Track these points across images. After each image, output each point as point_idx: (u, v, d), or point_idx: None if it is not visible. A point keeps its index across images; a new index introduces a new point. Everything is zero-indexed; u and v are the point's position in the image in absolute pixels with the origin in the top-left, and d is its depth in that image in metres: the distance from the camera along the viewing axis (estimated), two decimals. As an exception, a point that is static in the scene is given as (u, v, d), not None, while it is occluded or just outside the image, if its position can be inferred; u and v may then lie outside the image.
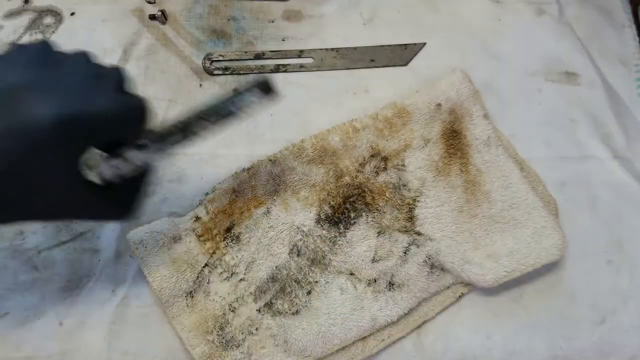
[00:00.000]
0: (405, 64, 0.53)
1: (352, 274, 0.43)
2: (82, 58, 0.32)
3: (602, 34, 0.57)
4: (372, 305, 0.42)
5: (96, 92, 0.30)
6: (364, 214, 0.45)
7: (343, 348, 0.41)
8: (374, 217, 0.45)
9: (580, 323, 0.44)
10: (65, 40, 0.51)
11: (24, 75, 0.28)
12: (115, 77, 0.32)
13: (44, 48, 0.31)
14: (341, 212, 0.45)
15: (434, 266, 0.43)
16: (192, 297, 0.42)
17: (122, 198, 0.34)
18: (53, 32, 0.51)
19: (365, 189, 0.46)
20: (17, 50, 0.30)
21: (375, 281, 0.43)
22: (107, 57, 0.50)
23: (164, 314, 0.41)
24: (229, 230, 0.44)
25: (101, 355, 0.41)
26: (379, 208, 0.45)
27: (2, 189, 0.29)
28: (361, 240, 0.44)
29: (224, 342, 0.40)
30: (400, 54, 0.54)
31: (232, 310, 0.41)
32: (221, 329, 0.41)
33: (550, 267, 0.45)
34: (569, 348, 0.43)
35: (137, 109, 0.32)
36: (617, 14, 0.58)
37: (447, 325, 0.44)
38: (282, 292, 0.42)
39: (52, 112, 0.27)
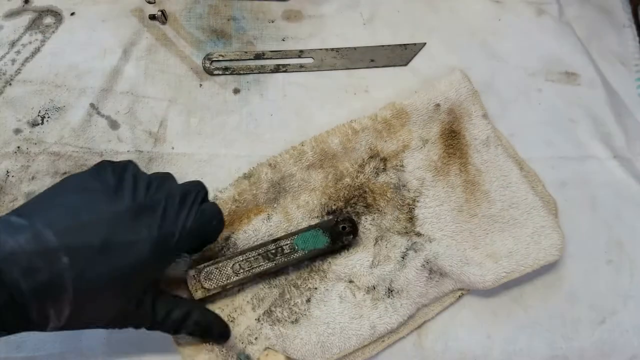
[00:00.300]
0: (405, 64, 0.53)
1: (351, 281, 0.43)
2: (170, 179, 0.36)
3: (602, 34, 0.57)
4: (371, 313, 0.41)
5: (185, 209, 0.34)
6: (364, 217, 0.45)
7: (343, 351, 0.41)
8: (374, 219, 0.45)
9: (580, 323, 0.44)
10: (65, 40, 0.51)
11: (125, 204, 0.32)
12: (198, 191, 0.36)
13: (139, 179, 0.34)
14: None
15: (433, 271, 0.43)
16: None
17: None
18: (53, 32, 0.51)
19: (367, 189, 0.46)
20: (117, 171, 0.34)
21: (374, 288, 0.42)
22: (107, 57, 0.50)
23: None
24: (227, 239, 0.43)
25: (101, 356, 0.41)
26: (380, 209, 0.45)
27: (102, 304, 0.31)
28: (360, 245, 0.44)
29: (224, 351, 0.40)
30: (400, 54, 0.54)
31: (231, 320, 0.41)
32: None
33: (550, 267, 0.45)
34: (569, 348, 0.43)
35: (216, 216, 0.36)
36: (617, 14, 0.58)
37: (447, 325, 0.44)
38: (281, 298, 0.42)
39: (152, 234, 0.32)
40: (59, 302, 0.29)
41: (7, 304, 0.28)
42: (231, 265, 0.40)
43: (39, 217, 0.30)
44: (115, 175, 0.33)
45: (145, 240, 0.31)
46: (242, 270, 0.40)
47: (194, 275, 0.39)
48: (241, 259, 0.40)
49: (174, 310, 0.36)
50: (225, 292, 0.41)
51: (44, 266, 0.28)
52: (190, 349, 0.40)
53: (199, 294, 0.39)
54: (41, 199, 0.32)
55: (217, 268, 0.40)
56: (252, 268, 0.40)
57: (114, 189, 0.32)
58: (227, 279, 0.40)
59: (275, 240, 0.41)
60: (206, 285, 0.39)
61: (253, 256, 0.41)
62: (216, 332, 0.38)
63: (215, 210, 0.37)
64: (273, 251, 0.41)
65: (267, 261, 0.41)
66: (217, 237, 0.39)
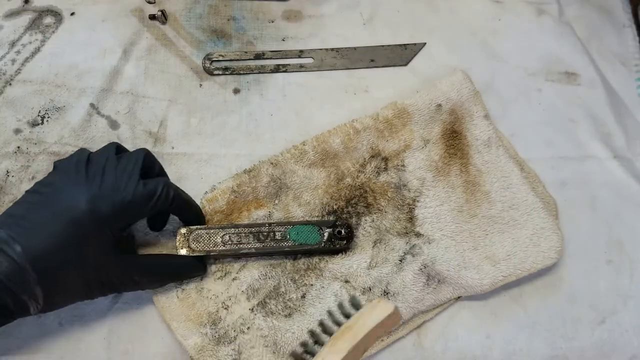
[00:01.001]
0: (405, 64, 0.53)
1: (347, 281, 0.43)
2: (110, 151, 0.37)
3: (602, 34, 0.57)
4: None
5: (122, 181, 0.35)
6: (364, 218, 0.45)
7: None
8: (374, 220, 0.45)
9: (580, 323, 0.44)
10: (65, 40, 0.51)
11: (66, 178, 0.35)
12: (135, 162, 0.37)
13: (80, 158, 0.37)
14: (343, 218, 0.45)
15: (431, 276, 0.43)
16: (183, 290, 0.42)
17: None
18: (53, 32, 0.51)
19: (367, 189, 0.46)
20: (62, 163, 0.37)
21: (370, 289, 0.42)
22: (107, 57, 0.50)
23: (155, 305, 0.42)
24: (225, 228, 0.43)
25: (101, 355, 0.41)
26: (381, 208, 0.45)
27: (53, 270, 0.33)
28: (358, 246, 0.44)
29: (217, 337, 0.40)
30: (400, 54, 0.54)
31: (225, 308, 0.41)
32: (214, 324, 0.41)
33: (550, 267, 0.45)
34: (569, 348, 0.43)
35: (161, 183, 0.37)
36: (617, 14, 0.58)
37: (447, 325, 0.44)
38: (276, 291, 0.42)
39: (86, 199, 0.34)
40: (28, 286, 0.32)
41: None
42: (221, 234, 0.41)
43: None
44: (63, 164, 0.36)
45: (82, 200, 0.34)
46: (230, 243, 0.41)
47: (184, 233, 0.41)
48: (233, 231, 0.41)
49: (152, 259, 0.40)
50: (212, 260, 0.43)
51: (2, 258, 0.31)
52: (184, 329, 0.40)
53: (183, 252, 0.40)
54: (6, 209, 0.35)
55: (207, 233, 0.41)
56: (241, 243, 0.41)
57: (62, 174, 0.36)
58: (214, 246, 0.41)
59: (270, 224, 0.42)
60: (192, 246, 0.41)
61: (244, 232, 0.41)
62: (194, 273, 0.42)
63: (160, 181, 0.38)
64: (265, 233, 0.42)
65: (256, 241, 0.41)
66: (181, 209, 0.40)
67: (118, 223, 0.36)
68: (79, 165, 0.36)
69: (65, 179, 0.35)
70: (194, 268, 0.41)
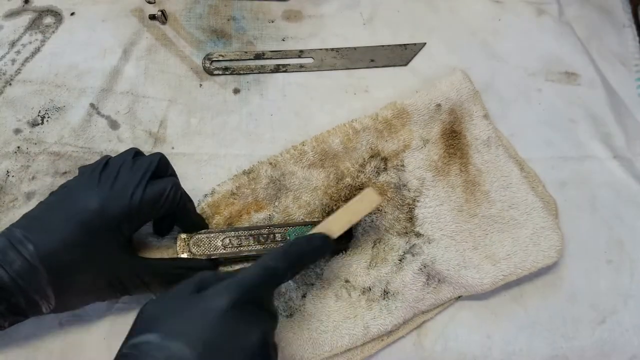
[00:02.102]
0: (405, 64, 0.53)
1: (347, 280, 0.43)
2: (128, 155, 0.38)
3: (602, 34, 0.57)
4: (366, 314, 0.41)
5: (133, 183, 0.36)
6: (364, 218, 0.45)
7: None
8: (373, 220, 0.45)
9: (580, 323, 0.44)
10: (65, 40, 0.51)
11: (81, 180, 0.36)
12: (150, 161, 0.37)
13: (100, 162, 0.37)
14: None
15: (431, 276, 0.43)
16: None
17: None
18: (53, 32, 0.51)
19: (367, 189, 0.46)
20: (84, 167, 0.38)
21: (370, 289, 0.42)
22: (107, 57, 0.50)
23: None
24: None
25: (101, 355, 0.41)
26: (380, 208, 0.45)
27: (64, 271, 0.34)
28: (358, 246, 0.44)
29: None
30: (400, 54, 0.54)
31: None
32: None
33: (550, 267, 0.45)
34: (569, 348, 0.43)
35: (170, 184, 0.37)
36: (617, 14, 0.58)
37: (447, 325, 0.44)
38: (277, 291, 0.42)
39: (97, 201, 0.34)
40: (39, 285, 0.33)
41: None
42: (222, 238, 0.41)
43: (16, 223, 0.35)
44: (84, 168, 0.37)
45: (92, 201, 0.34)
46: (230, 246, 0.41)
47: (184, 238, 0.41)
48: (233, 234, 0.42)
49: (162, 261, 0.40)
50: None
51: (16, 257, 0.32)
52: None
53: (184, 256, 0.41)
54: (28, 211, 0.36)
55: (207, 237, 0.41)
56: (241, 246, 0.41)
57: (79, 177, 0.37)
58: (215, 250, 0.41)
59: (269, 226, 0.42)
60: (193, 250, 0.41)
61: (244, 235, 0.42)
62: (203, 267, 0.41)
63: (169, 180, 0.38)
64: (265, 235, 0.42)
65: (256, 244, 0.41)
66: (184, 212, 0.40)
67: (128, 224, 0.36)
68: (96, 169, 0.36)
69: (80, 181, 0.36)
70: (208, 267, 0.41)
